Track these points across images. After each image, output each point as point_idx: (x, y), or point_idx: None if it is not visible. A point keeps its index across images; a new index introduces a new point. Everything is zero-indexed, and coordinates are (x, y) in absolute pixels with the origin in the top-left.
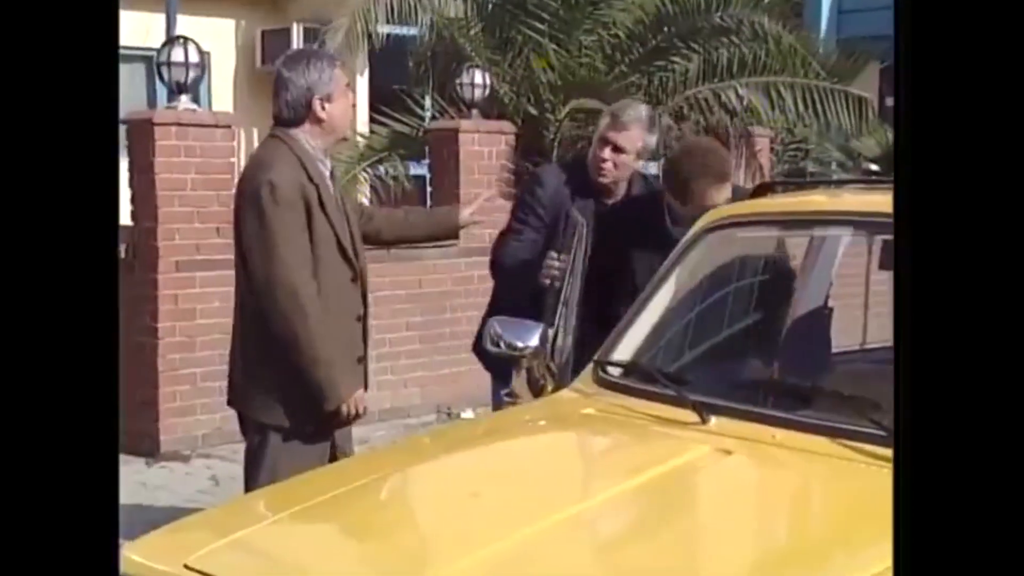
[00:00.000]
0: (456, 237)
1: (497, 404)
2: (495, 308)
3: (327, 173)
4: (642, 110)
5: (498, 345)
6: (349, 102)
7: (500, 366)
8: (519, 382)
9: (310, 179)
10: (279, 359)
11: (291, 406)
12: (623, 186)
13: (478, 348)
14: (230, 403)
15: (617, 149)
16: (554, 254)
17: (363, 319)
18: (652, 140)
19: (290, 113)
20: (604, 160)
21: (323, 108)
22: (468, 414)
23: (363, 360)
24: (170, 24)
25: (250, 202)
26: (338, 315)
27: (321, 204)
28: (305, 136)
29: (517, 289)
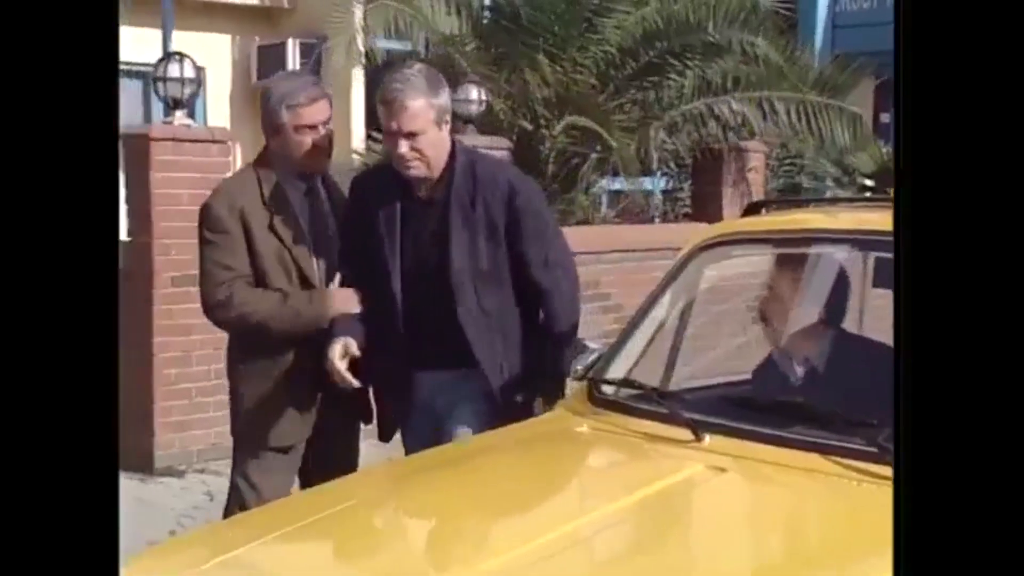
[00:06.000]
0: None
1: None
2: None
3: (295, 194)
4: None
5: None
6: (306, 136)
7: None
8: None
9: (264, 202)
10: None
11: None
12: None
13: None
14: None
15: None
16: None
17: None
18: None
19: (264, 132)
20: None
21: (276, 136)
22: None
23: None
24: (166, 39)
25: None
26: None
27: (271, 226)
28: (273, 157)
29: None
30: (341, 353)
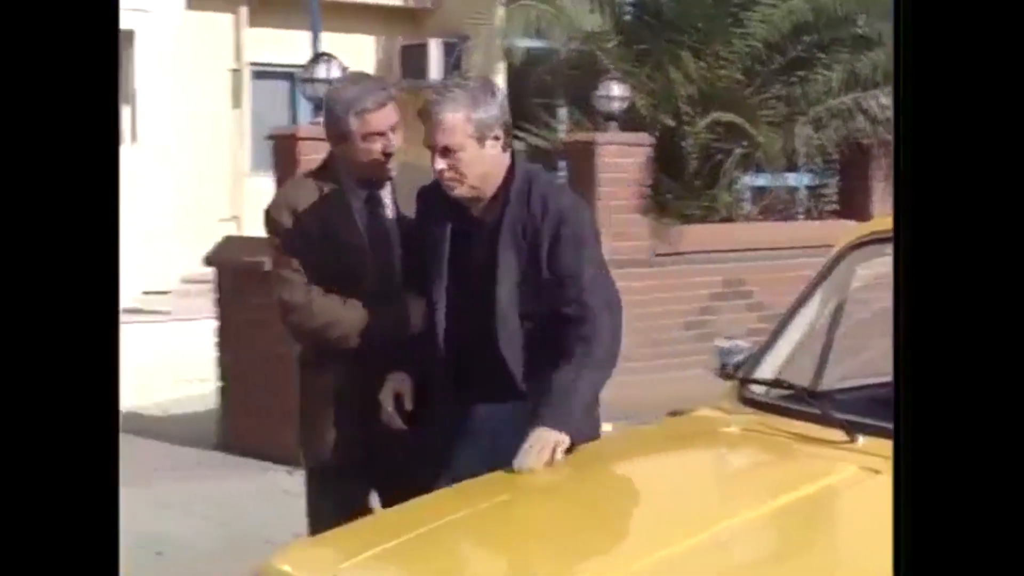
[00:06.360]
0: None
1: None
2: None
3: (357, 202)
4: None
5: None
6: (374, 143)
7: None
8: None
9: (323, 209)
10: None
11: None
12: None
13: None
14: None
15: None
16: None
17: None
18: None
19: (329, 139)
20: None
21: (342, 143)
22: (606, 427)
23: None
24: (315, 41)
25: None
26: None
27: (329, 234)
28: (337, 164)
29: None
30: (392, 396)
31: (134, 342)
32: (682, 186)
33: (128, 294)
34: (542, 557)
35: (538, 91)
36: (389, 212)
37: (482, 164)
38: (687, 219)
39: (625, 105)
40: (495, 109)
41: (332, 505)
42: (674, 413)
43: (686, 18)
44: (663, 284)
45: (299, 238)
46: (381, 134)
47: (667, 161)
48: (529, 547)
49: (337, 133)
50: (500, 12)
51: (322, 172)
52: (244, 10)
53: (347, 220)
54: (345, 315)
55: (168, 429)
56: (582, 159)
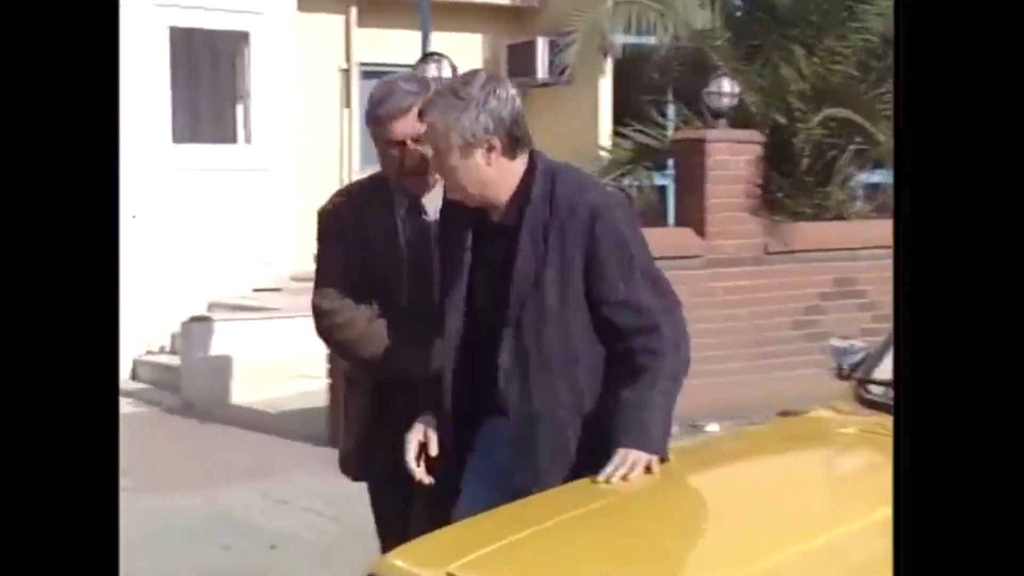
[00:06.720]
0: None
1: None
2: None
3: (400, 210)
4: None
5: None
6: (395, 152)
7: None
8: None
9: (365, 215)
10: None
11: None
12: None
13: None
14: None
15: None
16: None
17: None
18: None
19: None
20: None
21: (376, 147)
22: (713, 427)
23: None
24: (425, 40)
25: None
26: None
27: (367, 241)
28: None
29: None
30: (416, 447)
31: (245, 339)
32: (793, 184)
33: (239, 291)
34: (654, 559)
35: (646, 88)
36: (431, 223)
37: (474, 173)
38: (798, 217)
39: (735, 102)
40: (487, 119)
41: (388, 514)
42: (785, 413)
43: (799, 13)
44: (773, 283)
45: (340, 244)
46: (400, 143)
47: (778, 158)
48: (640, 548)
49: (371, 136)
50: (605, 9)
51: (376, 177)
52: (354, 11)
53: (389, 230)
54: (374, 333)
55: (280, 425)
56: (691, 157)
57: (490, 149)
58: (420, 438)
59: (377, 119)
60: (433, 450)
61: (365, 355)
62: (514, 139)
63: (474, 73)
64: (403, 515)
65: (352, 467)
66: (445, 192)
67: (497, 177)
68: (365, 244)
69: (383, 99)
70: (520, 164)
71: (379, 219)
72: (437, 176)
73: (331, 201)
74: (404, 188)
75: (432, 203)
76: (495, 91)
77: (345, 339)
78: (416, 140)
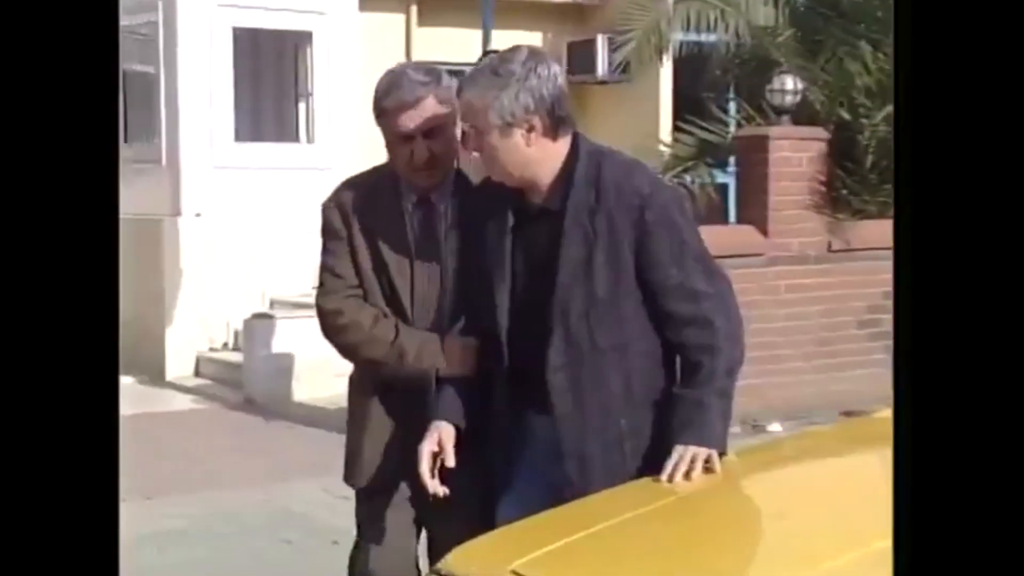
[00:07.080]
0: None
1: None
2: None
3: (408, 205)
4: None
5: None
6: (402, 147)
7: None
8: None
9: (370, 210)
10: None
11: None
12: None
13: None
14: None
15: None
16: None
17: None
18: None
19: None
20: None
21: (388, 147)
22: (776, 428)
23: None
24: (486, 39)
25: None
26: None
27: (371, 237)
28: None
29: None
30: (430, 459)
31: (306, 336)
32: (857, 181)
33: (301, 289)
34: (715, 557)
35: (708, 85)
36: (442, 221)
37: (514, 153)
38: (862, 215)
39: (798, 99)
40: (527, 97)
41: (373, 529)
42: (848, 413)
43: (864, 8)
44: (836, 281)
45: (343, 241)
46: (408, 137)
47: (842, 155)
48: (703, 549)
49: (379, 128)
50: (666, 7)
51: (382, 169)
52: (414, 9)
53: (396, 226)
54: (377, 335)
55: (341, 422)
56: (754, 153)
57: (530, 129)
58: (433, 448)
59: (383, 111)
60: (450, 460)
61: (369, 357)
62: (556, 119)
63: (515, 49)
64: (383, 523)
65: (352, 475)
66: (485, 179)
67: (539, 158)
68: (371, 237)
69: (389, 89)
70: (563, 145)
71: (386, 211)
72: (447, 171)
73: (335, 194)
74: (413, 184)
75: (442, 203)
76: (536, 68)
77: (349, 341)
78: (426, 134)
